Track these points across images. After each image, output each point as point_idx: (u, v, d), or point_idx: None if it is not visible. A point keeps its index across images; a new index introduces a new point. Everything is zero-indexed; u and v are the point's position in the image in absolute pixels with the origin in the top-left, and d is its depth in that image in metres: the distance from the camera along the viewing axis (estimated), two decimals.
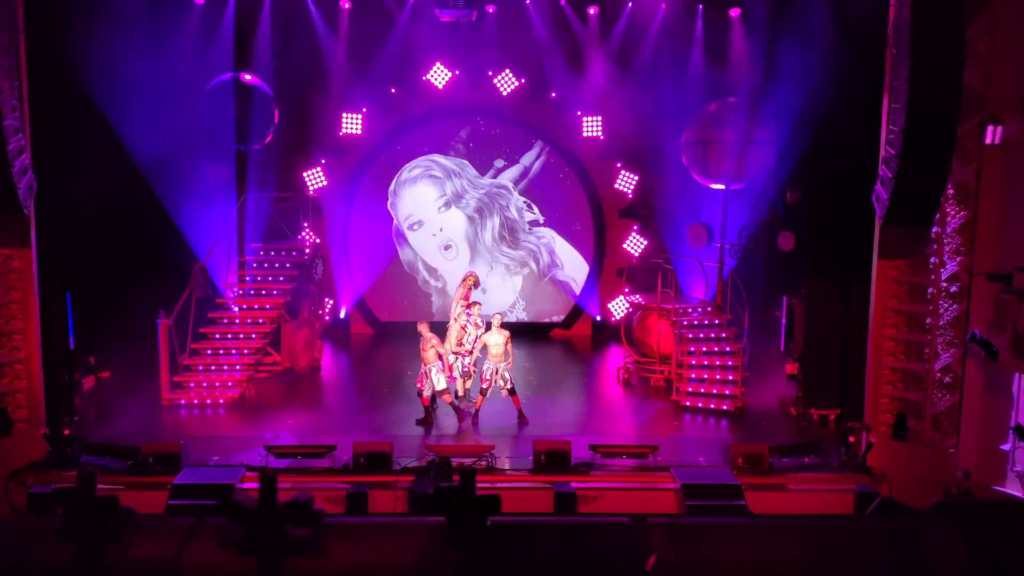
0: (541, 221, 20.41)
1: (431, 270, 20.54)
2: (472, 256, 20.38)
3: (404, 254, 20.48)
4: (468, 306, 14.93)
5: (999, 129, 11.84)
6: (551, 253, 20.57)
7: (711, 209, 18.37)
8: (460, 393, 14.76)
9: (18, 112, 11.79)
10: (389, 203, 20.31)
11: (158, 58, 15.83)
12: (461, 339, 14.62)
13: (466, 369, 14.72)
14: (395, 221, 20.36)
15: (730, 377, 15.46)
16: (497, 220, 20.32)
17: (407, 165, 20.10)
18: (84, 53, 14.02)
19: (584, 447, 12.45)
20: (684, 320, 16.27)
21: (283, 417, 14.94)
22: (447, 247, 20.43)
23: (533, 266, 20.51)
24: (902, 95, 11.19)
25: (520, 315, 20.57)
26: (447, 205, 20.24)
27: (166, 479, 11.48)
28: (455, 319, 14.82)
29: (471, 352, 14.59)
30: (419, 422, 14.05)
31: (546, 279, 20.57)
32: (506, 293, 20.54)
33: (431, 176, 20.18)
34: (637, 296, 18.41)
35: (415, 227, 20.42)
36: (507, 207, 20.30)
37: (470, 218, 20.28)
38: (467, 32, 18.35)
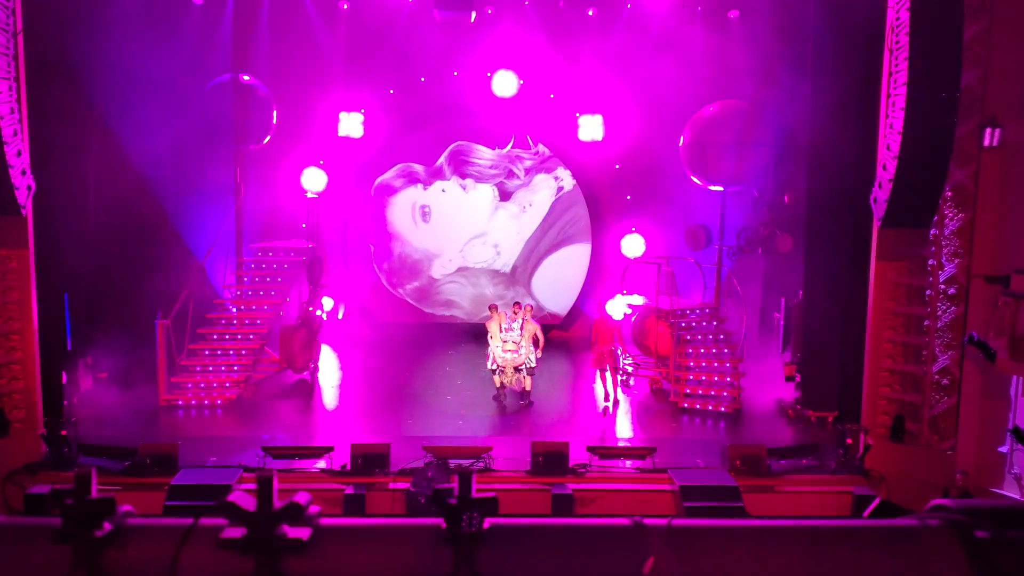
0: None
1: (481, 238, 20.67)
2: (479, 178, 20.49)
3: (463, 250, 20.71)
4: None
5: (997, 131, 11.86)
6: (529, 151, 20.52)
7: (709, 211, 18.39)
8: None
9: (17, 113, 11.80)
10: (404, 233, 20.55)
11: (157, 58, 15.83)
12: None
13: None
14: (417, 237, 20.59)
15: (728, 379, 15.47)
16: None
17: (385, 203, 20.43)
18: (83, 54, 14.03)
19: (582, 449, 12.45)
20: (682, 322, 16.28)
21: (280, 418, 14.94)
22: (464, 187, 20.48)
23: (525, 164, 20.50)
24: (900, 97, 11.21)
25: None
26: (425, 184, 20.42)
27: (163, 480, 11.48)
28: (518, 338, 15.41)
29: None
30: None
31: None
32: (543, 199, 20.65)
33: (399, 186, 20.35)
34: (635, 297, 18.42)
35: (427, 216, 20.50)
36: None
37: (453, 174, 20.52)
38: (465, 33, 18.37)
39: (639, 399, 16.15)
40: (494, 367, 15.50)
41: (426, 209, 20.56)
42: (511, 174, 20.41)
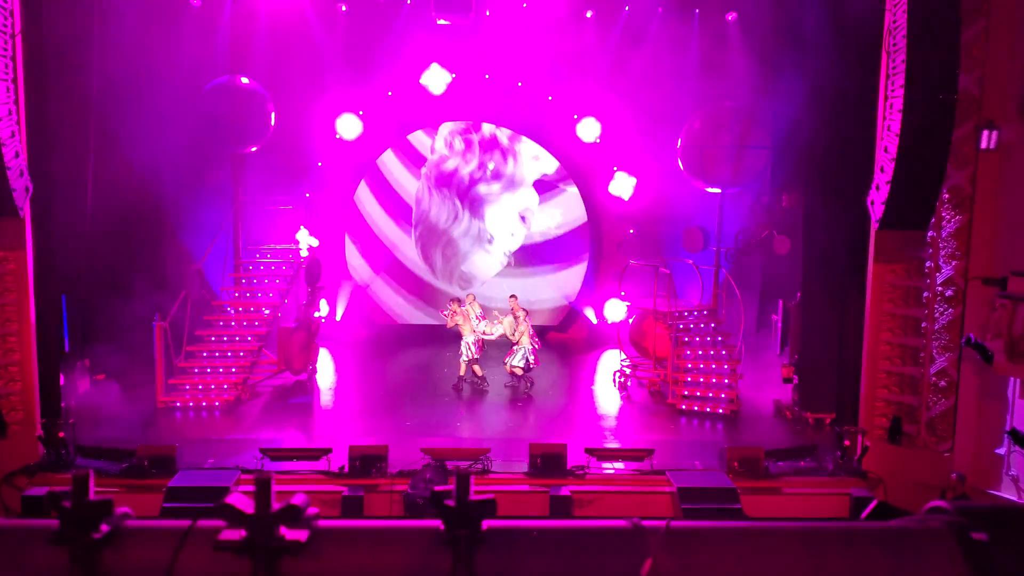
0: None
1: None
2: (472, 199, 20.50)
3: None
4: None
5: (994, 133, 11.88)
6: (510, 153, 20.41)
7: (707, 213, 18.41)
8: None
9: (15, 115, 11.79)
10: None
11: (155, 60, 15.83)
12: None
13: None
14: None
15: (726, 381, 15.47)
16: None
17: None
18: (81, 55, 14.03)
19: (580, 450, 12.45)
20: (680, 324, 16.28)
21: (278, 420, 14.93)
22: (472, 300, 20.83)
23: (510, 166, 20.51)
24: (898, 99, 11.22)
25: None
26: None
27: (161, 482, 11.47)
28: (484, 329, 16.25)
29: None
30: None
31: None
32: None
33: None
34: (633, 299, 18.44)
35: (491, 241, 20.60)
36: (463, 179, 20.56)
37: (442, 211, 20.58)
38: (464, 35, 18.39)
39: (637, 401, 16.15)
40: (475, 356, 16.12)
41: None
42: (499, 149, 20.37)
